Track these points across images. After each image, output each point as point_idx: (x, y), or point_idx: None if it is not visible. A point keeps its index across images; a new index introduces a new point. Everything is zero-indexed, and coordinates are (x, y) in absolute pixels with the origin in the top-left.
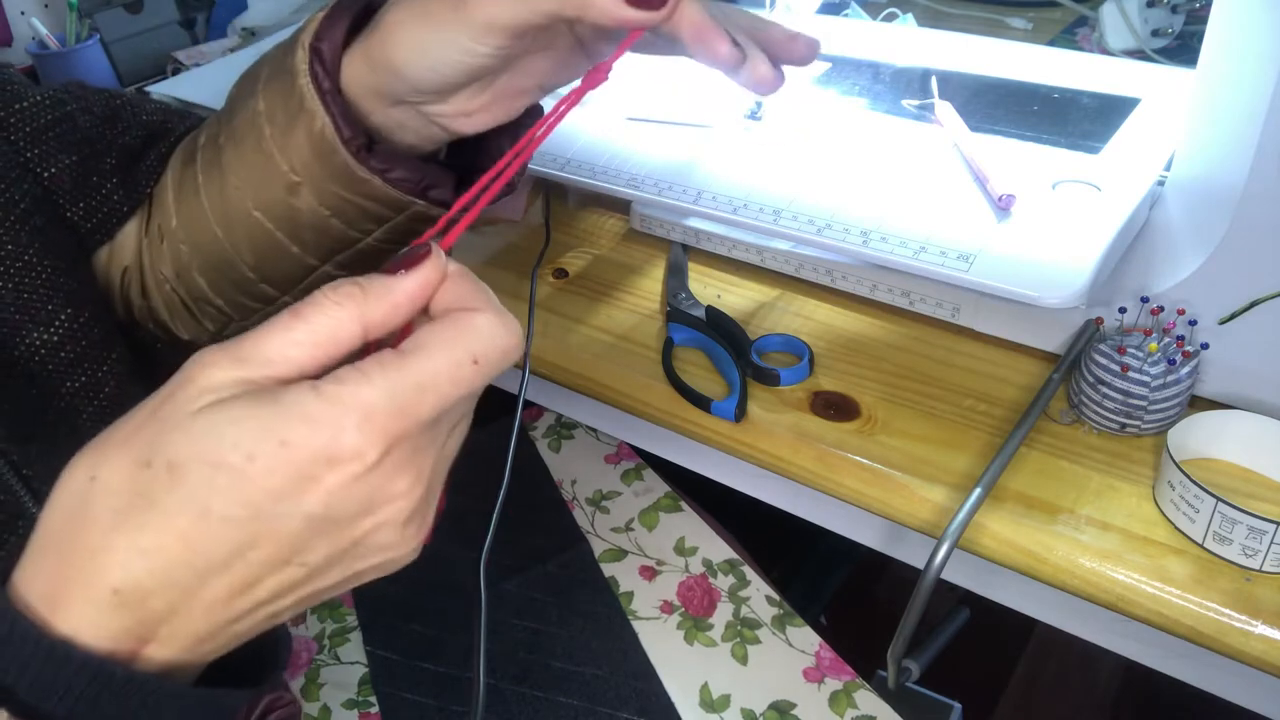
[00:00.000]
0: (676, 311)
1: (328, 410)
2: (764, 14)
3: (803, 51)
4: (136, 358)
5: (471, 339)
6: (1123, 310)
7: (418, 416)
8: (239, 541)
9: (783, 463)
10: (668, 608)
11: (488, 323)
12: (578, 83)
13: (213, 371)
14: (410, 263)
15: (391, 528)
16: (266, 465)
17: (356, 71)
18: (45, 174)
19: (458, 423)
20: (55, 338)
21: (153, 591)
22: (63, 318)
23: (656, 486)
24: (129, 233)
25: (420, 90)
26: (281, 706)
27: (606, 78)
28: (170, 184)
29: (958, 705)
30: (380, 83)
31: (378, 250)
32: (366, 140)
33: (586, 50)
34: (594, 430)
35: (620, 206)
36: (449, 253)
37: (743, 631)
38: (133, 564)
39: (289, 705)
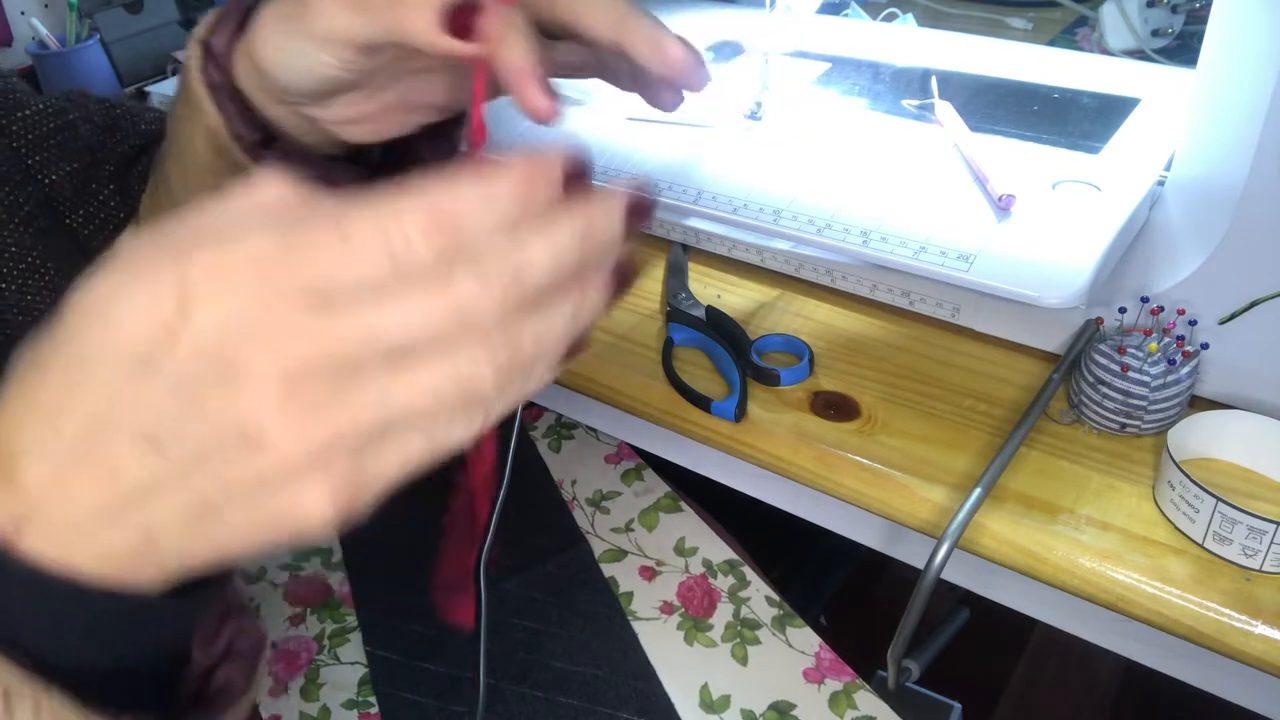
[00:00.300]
0: (676, 311)
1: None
2: (764, 14)
3: (674, 65)
4: None
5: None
6: (1123, 310)
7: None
8: (104, 400)
9: (783, 463)
10: (668, 608)
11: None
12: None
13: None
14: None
15: (273, 459)
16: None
17: (243, 69)
18: (46, 180)
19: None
20: None
21: (29, 456)
22: None
23: (656, 487)
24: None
25: (290, 92)
26: (244, 634)
27: (481, 142)
28: (147, 191)
29: (958, 705)
30: (259, 81)
31: None
32: (261, 137)
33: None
34: (594, 430)
35: None
36: None
37: (743, 632)
38: (13, 428)
39: (251, 633)
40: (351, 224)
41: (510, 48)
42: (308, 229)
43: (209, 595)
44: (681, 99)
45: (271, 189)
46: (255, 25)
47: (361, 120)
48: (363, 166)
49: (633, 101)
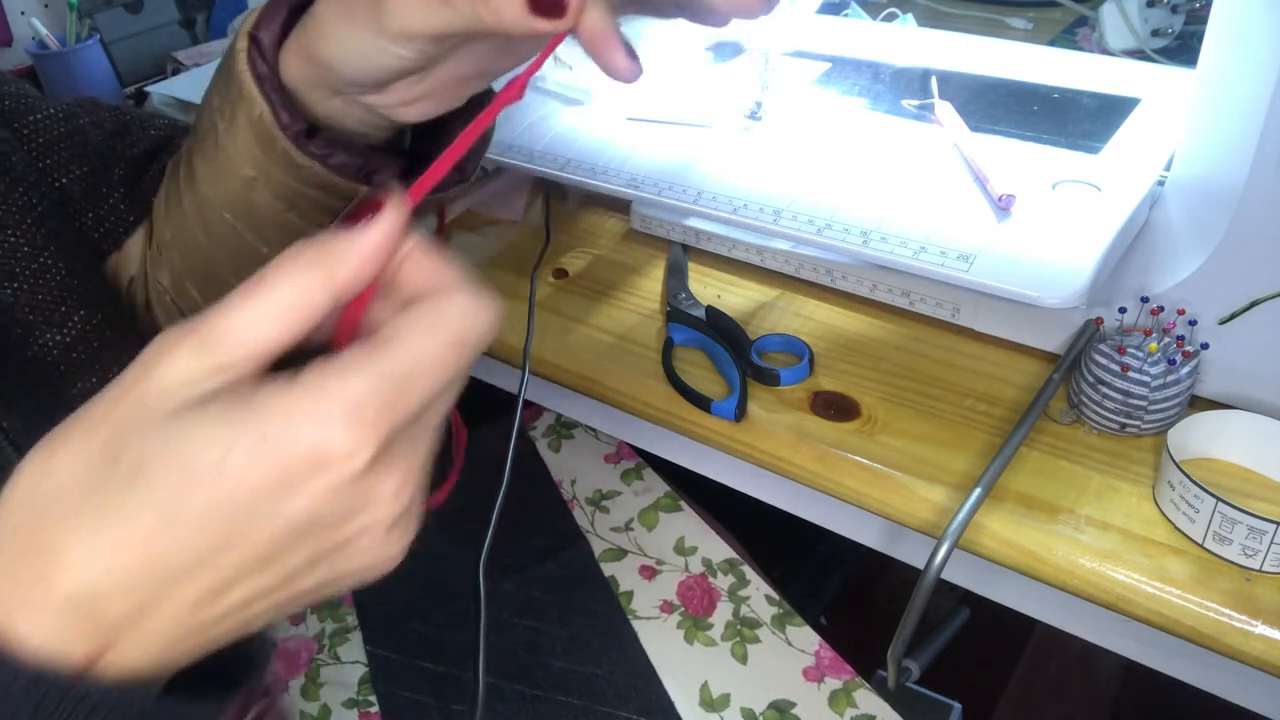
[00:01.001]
0: (676, 311)
1: (312, 404)
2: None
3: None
4: None
5: (452, 321)
6: (1123, 310)
7: (407, 408)
8: (210, 546)
9: (783, 463)
10: (667, 607)
11: (465, 302)
12: (522, 69)
13: (177, 361)
14: (366, 211)
15: (377, 531)
16: (244, 466)
17: (293, 62)
18: (57, 184)
19: (439, 417)
20: (68, 339)
21: (111, 597)
22: (75, 319)
23: (656, 486)
24: (135, 244)
25: (352, 84)
26: (270, 713)
27: (521, 95)
28: (162, 195)
29: (958, 705)
30: (316, 75)
31: None
32: (306, 127)
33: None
34: (594, 430)
35: (620, 206)
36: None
37: (742, 631)
38: (88, 568)
39: (275, 713)
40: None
41: (592, 16)
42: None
43: (253, 679)
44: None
45: (182, 373)
46: (313, 21)
47: (416, 100)
48: (402, 154)
49: (633, 101)
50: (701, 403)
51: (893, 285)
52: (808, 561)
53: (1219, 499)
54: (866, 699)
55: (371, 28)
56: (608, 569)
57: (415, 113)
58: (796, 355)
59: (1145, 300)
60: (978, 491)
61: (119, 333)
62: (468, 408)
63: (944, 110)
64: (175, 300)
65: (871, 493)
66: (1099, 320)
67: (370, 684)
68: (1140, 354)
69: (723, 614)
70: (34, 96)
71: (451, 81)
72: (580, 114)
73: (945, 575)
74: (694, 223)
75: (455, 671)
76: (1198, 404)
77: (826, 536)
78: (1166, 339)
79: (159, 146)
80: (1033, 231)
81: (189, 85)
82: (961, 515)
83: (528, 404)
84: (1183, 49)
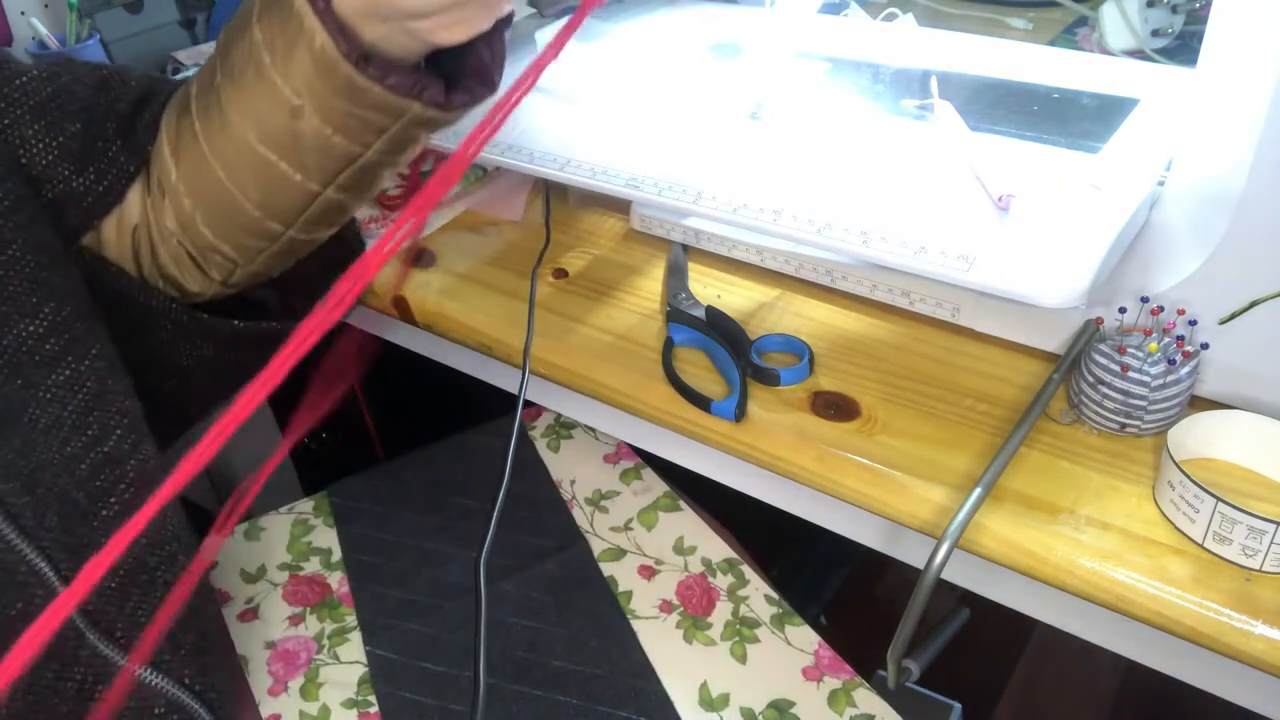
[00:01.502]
0: (676, 311)
1: None
2: (764, 14)
3: None
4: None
5: None
6: (1123, 310)
7: None
8: None
9: (783, 462)
10: (666, 607)
11: None
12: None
13: None
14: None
15: None
16: None
17: None
18: (56, 142)
19: None
20: (41, 329)
21: None
22: (47, 310)
23: (655, 486)
24: (134, 193)
25: (412, 14)
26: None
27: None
28: (166, 139)
29: (958, 705)
30: (369, 6)
31: (376, 164)
32: (362, 53)
33: None
34: (593, 430)
35: (620, 206)
36: None
37: (741, 630)
38: None
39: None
40: None
41: None
42: None
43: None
44: None
45: None
46: None
47: (453, 24)
48: (440, 78)
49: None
50: (701, 403)
51: (893, 285)
52: (808, 561)
53: (1219, 499)
54: (865, 698)
55: None
56: (607, 569)
57: (452, 35)
58: (796, 355)
59: (1145, 300)
60: (978, 491)
61: (88, 326)
62: (468, 407)
63: (944, 110)
64: (183, 242)
65: (871, 493)
66: (1099, 320)
67: (369, 684)
68: (1140, 354)
69: (722, 613)
70: (14, 61)
71: (483, 5)
72: (580, 114)
73: (945, 575)
74: (694, 223)
75: (454, 671)
76: (1198, 404)
77: (826, 536)
78: (1166, 339)
79: (143, 97)
80: (1033, 231)
81: None
82: (961, 515)
83: (527, 404)
84: (1183, 49)
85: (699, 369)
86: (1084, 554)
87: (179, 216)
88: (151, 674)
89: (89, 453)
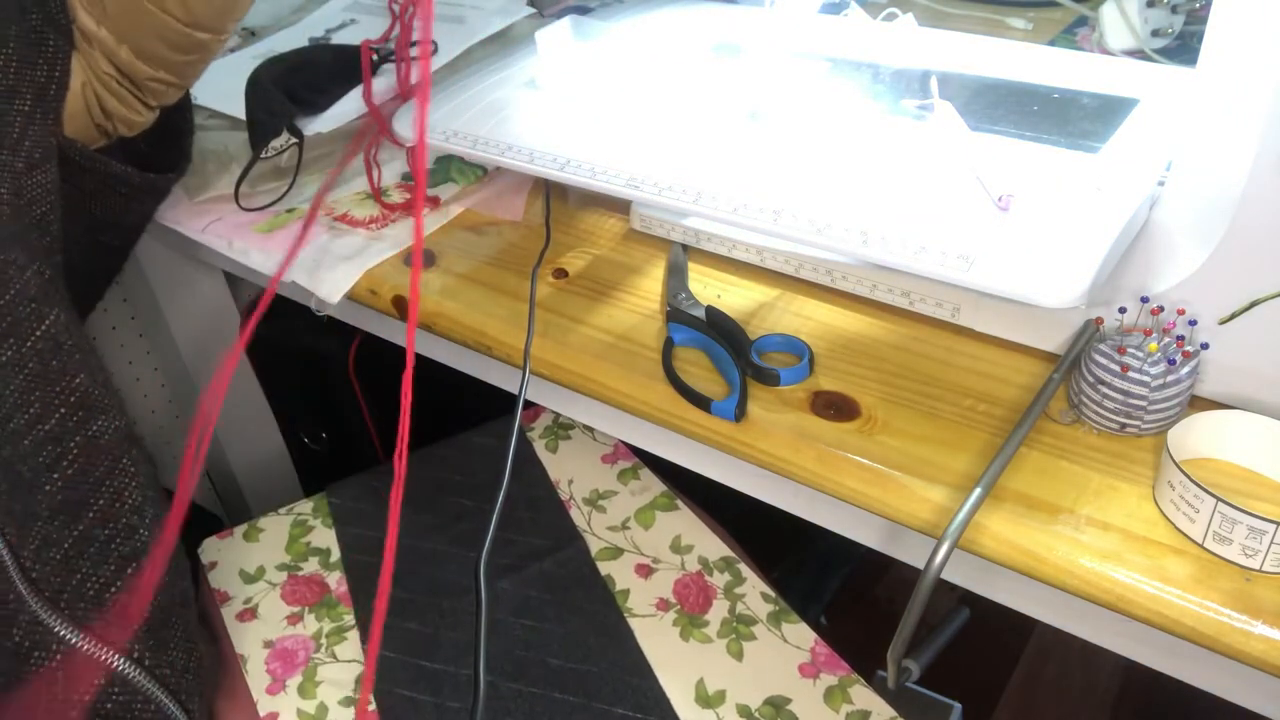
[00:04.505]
0: (676, 311)
1: None
2: (764, 14)
3: None
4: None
5: None
6: (1123, 310)
7: None
8: None
9: (783, 462)
10: (664, 605)
11: None
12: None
13: None
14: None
15: None
16: None
17: None
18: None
19: None
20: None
21: None
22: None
23: (653, 485)
24: (72, 57)
25: None
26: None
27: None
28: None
29: (958, 705)
30: None
31: None
32: None
33: None
34: (590, 430)
35: (620, 206)
36: None
37: (738, 628)
38: None
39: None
40: None
41: None
42: None
43: None
44: None
45: None
46: None
47: None
48: None
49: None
50: (701, 403)
51: (893, 285)
52: (807, 561)
53: (1219, 499)
54: (862, 695)
55: None
56: (604, 568)
57: None
58: (796, 355)
59: (1145, 300)
60: (978, 491)
61: (35, 306)
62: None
63: (944, 110)
64: (121, 82)
65: (871, 493)
66: (1099, 320)
67: None
68: (1140, 354)
69: (719, 611)
70: None
71: None
72: (580, 114)
73: (945, 575)
74: (694, 223)
75: (452, 670)
76: (1198, 404)
77: (826, 536)
78: (1166, 339)
79: None
80: (1033, 231)
81: None
82: (961, 515)
83: (527, 404)
84: (1183, 49)
85: (699, 369)
86: (1084, 554)
87: (113, 60)
88: (95, 646)
89: (31, 430)
